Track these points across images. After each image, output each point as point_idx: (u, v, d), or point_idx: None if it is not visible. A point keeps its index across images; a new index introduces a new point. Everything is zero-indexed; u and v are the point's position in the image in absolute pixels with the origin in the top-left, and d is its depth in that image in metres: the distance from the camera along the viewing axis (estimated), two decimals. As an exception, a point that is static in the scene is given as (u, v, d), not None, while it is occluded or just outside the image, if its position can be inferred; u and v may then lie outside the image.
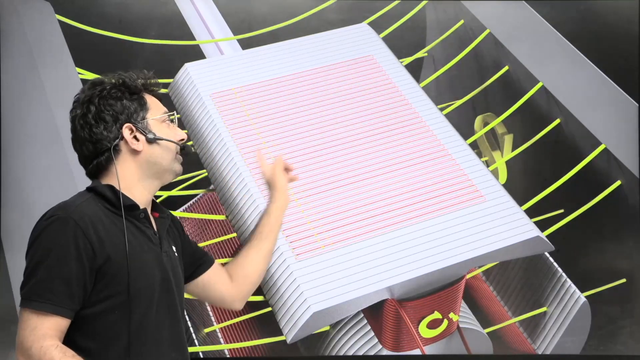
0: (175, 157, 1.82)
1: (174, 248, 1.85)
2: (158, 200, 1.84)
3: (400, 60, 3.36)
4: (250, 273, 2.10)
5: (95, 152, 1.73)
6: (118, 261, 1.63)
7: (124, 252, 1.64)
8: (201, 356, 2.99)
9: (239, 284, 2.08)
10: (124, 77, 1.79)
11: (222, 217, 3.13)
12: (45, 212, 1.68)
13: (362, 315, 2.94)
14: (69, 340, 1.62)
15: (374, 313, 2.88)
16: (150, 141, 1.75)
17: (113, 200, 1.69)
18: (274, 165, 2.25)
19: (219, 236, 3.13)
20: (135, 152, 1.74)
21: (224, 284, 2.05)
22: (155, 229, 1.78)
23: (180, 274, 1.85)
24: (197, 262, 2.00)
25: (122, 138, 1.74)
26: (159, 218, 1.83)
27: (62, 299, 1.58)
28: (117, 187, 1.71)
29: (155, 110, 1.81)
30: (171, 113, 1.85)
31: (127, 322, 1.63)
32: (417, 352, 2.92)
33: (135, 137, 1.75)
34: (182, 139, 1.84)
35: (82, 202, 1.67)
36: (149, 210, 1.79)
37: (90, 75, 3.20)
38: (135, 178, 1.74)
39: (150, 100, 1.82)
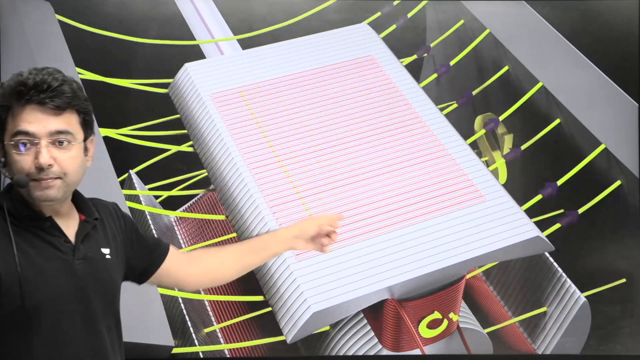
0: (16, 184, 1.59)
1: (105, 251, 1.72)
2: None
3: (400, 60, 3.36)
4: (219, 273, 1.98)
5: None
6: (8, 277, 1.52)
7: (15, 267, 1.53)
8: (201, 356, 2.99)
9: (199, 274, 1.95)
10: None
11: (222, 217, 3.12)
12: None
13: (362, 315, 2.94)
14: None
15: (374, 313, 2.88)
16: (4, 165, 1.58)
17: (13, 212, 1.58)
18: (321, 219, 1.97)
19: (219, 236, 3.13)
20: None
21: (181, 269, 1.92)
22: (73, 236, 1.65)
23: (112, 278, 1.72)
24: (150, 258, 1.89)
25: None
26: (83, 222, 1.69)
27: None
28: (19, 198, 1.60)
29: (8, 132, 1.57)
30: (22, 131, 1.57)
31: (30, 341, 1.54)
32: (417, 352, 2.92)
33: None
34: (40, 165, 1.56)
35: None
36: (67, 217, 1.67)
37: (90, 76, 3.20)
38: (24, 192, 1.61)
39: (16, 116, 1.56)
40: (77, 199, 1.71)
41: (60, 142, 1.59)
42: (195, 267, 1.95)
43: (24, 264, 1.55)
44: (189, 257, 1.99)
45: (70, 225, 1.67)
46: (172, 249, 1.93)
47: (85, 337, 1.62)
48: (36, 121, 1.56)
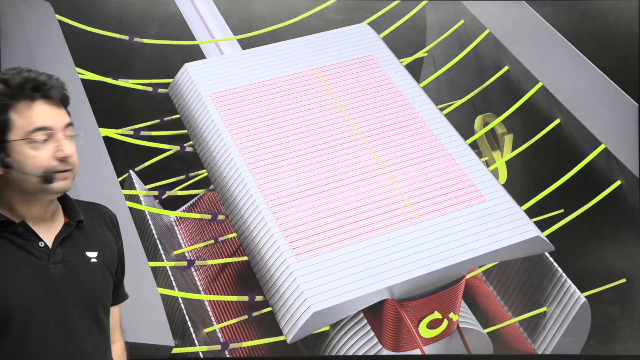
0: (42, 182, 1.59)
1: (90, 254, 1.69)
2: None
3: (400, 60, 3.36)
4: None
5: None
6: None
7: None
8: (201, 356, 2.99)
9: None
10: None
11: (221, 217, 3.13)
12: None
13: (362, 315, 2.94)
14: None
15: (374, 313, 2.88)
16: (6, 165, 1.57)
17: None
18: None
19: (219, 236, 3.13)
20: (1, 175, 1.58)
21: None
22: (51, 240, 1.63)
23: (94, 281, 1.68)
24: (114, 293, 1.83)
25: None
26: (65, 224, 1.67)
27: None
28: None
29: (20, 130, 1.56)
30: (42, 127, 1.58)
31: (2, 346, 1.53)
32: (417, 352, 2.92)
33: None
34: (65, 156, 1.58)
35: None
36: (46, 221, 1.65)
37: (90, 76, 3.20)
38: (12, 197, 1.60)
39: (23, 114, 1.57)
40: (64, 201, 1.70)
41: (70, 135, 1.62)
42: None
43: None
44: (113, 324, 1.87)
45: (53, 228, 1.65)
46: (123, 305, 1.89)
47: (61, 342, 1.60)
48: (51, 115, 1.58)
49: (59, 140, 1.58)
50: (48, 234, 1.64)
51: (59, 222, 1.67)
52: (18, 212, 1.62)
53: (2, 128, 1.56)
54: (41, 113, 1.58)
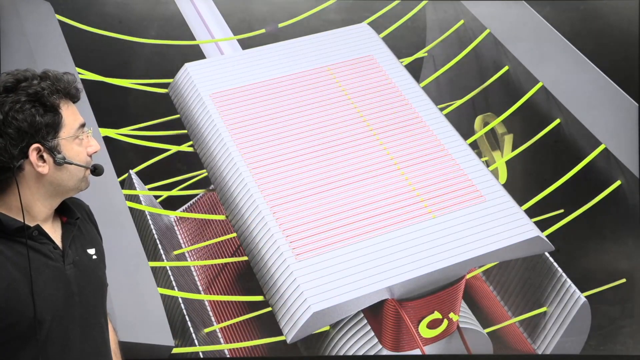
0: (84, 178, 1.65)
1: (90, 252, 1.70)
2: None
3: (400, 60, 3.36)
4: None
5: None
6: (6, 293, 1.51)
7: (9, 281, 1.51)
8: (201, 356, 2.99)
9: None
10: (42, 88, 1.58)
11: (222, 217, 3.12)
12: None
13: (362, 315, 2.94)
14: None
15: (374, 313, 2.88)
16: (58, 164, 1.59)
17: None
18: None
19: (219, 236, 3.13)
20: (39, 174, 1.58)
21: None
22: (59, 240, 1.64)
23: (99, 279, 1.71)
24: None
25: (27, 157, 1.56)
26: (65, 223, 1.67)
27: None
28: (9, 207, 1.58)
29: (69, 127, 1.61)
30: (83, 123, 1.65)
31: (28, 351, 1.53)
32: (417, 352, 2.92)
33: (42, 156, 1.58)
34: (95, 151, 1.66)
35: None
36: (50, 221, 1.65)
37: (90, 76, 3.20)
38: (34, 197, 1.60)
39: (67, 112, 1.62)
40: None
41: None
42: None
43: (18, 278, 1.53)
44: None
45: (54, 228, 1.66)
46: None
47: (79, 342, 1.61)
48: (79, 114, 1.67)
49: (89, 137, 1.66)
50: (54, 235, 1.64)
51: (57, 221, 1.68)
52: (35, 214, 1.61)
53: (57, 126, 1.59)
54: (77, 112, 1.66)
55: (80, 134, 1.63)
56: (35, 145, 1.56)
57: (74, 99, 1.66)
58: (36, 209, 1.61)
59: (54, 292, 1.58)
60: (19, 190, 1.57)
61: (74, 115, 1.64)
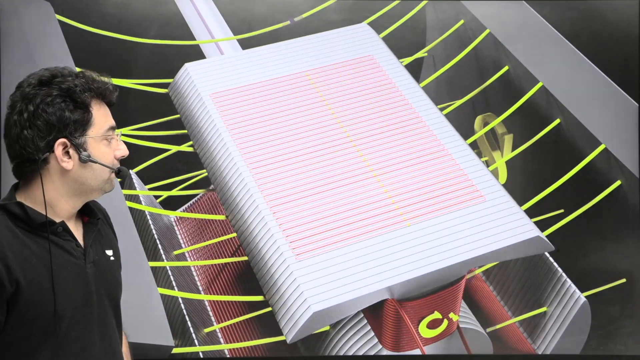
0: (108, 179, 1.67)
1: (109, 253, 1.72)
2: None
3: (400, 60, 3.36)
4: None
5: (21, 156, 1.58)
6: (30, 286, 1.52)
7: (33, 275, 1.53)
8: (201, 356, 2.99)
9: None
10: (75, 84, 1.60)
11: (222, 217, 3.12)
12: None
13: (362, 315, 2.94)
14: None
15: (374, 313, 2.88)
16: (83, 161, 1.60)
17: (24, 219, 1.57)
18: None
19: (219, 236, 3.13)
20: (63, 169, 1.59)
21: None
22: (81, 239, 1.66)
23: (115, 279, 1.73)
24: None
25: (53, 151, 1.57)
26: (87, 223, 1.69)
27: None
28: (35, 201, 1.59)
29: (98, 126, 1.62)
30: (113, 126, 1.67)
31: (48, 347, 1.54)
32: (417, 352, 2.92)
33: (67, 152, 1.59)
34: (123, 156, 1.68)
35: None
36: (73, 220, 1.66)
37: (90, 75, 3.20)
38: (59, 193, 1.60)
39: (98, 112, 1.64)
40: None
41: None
42: None
43: (45, 274, 1.54)
44: None
45: (76, 227, 1.68)
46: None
47: (98, 341, 1.63)
48: (111, 117, 1.68)
49: (119, 140, 1.67)
50: (76, 233, 1.66)
51: (79, 221, 1.69)
52: (59, 210, 1.63)
53: (86, 124, 1.60)
54: (109, 114, 1.67)
55: (109, 136, 1.64)
56: (62, 139, 1.58)
57: (107, 100, 1.68)
58: (60, 205, 1.62)
59: (75, 289, 1.60)
60: (42, 183, 1.58)
61: (105, 117, 1.65)
